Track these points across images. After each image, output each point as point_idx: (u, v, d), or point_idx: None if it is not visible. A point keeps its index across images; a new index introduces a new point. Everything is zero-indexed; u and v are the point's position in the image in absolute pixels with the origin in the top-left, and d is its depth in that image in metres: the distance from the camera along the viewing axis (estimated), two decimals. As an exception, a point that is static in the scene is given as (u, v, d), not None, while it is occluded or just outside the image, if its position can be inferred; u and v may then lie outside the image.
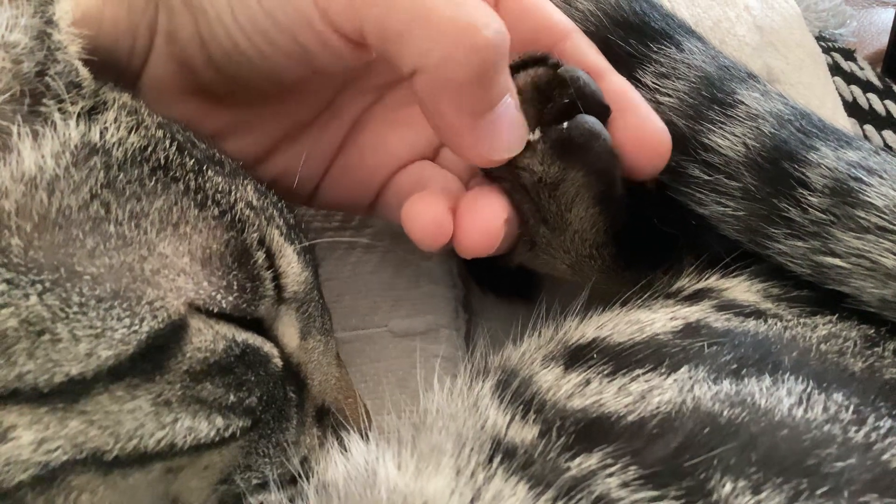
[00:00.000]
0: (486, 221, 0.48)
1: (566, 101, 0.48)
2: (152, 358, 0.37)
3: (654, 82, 0.54)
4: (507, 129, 0.45)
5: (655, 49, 0.54)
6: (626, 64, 0.55)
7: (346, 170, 0.55)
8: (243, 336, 0.40)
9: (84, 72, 0.39)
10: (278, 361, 0.42)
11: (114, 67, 0.45)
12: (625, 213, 0.52)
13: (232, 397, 0.39)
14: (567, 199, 0.50)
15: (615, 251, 0.52)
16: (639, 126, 0.49)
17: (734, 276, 0.50)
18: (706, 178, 0.51)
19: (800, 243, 0.49)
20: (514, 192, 0.50)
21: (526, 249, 0.53)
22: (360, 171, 0.54)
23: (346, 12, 0.42)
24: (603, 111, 0.50)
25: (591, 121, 0.49)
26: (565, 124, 0.48)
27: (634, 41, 0.55)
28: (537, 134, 0.48)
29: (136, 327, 0.36)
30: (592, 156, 0.49)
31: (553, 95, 0.49)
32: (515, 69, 0.49)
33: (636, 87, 0.53)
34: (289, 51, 0.45)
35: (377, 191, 0.54)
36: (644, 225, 0.53)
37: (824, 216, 0.48)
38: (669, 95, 0.53)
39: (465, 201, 0.49)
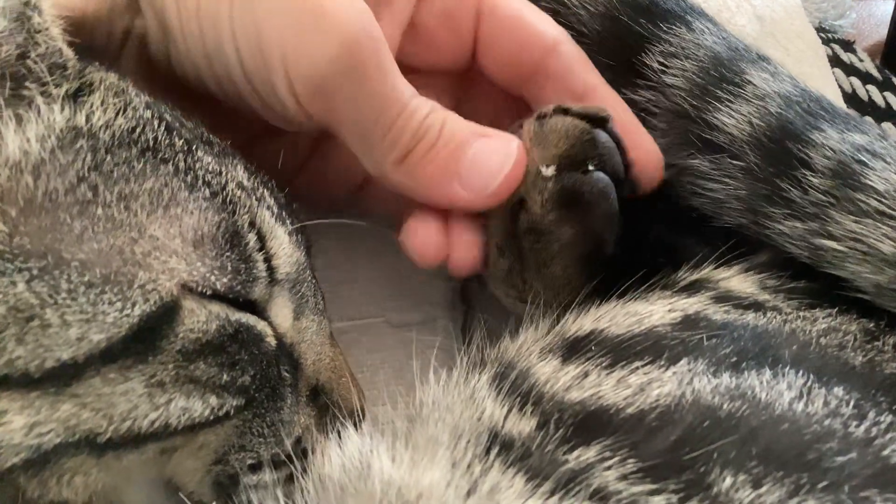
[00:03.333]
0: (474, 250, 0.51)
1: (590, 156, 0.48)
2: (145, 339, 0.36)
3: (660, 63, 0.53)
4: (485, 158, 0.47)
5: (665, 29, 0.54)
6: (634, 45, 0.55)
7: (329, 156, 0.54)
8: (236, 316, 0.40)
9: (68, 52, 0.38)
10: (272, 340, 0.42)
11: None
12: (606, 268, 0.51)
13: (225, 376, 0.39)
14: (548, 254, 0.50)
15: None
16: (639, 146, 0.51)
17: (730, 267, 0.50)
18: (710, 158, 0.51)
19: (798, 224, 0.48)
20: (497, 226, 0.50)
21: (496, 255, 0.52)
22: (341, 160, 0.54)
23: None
24: (624, 168, 0.50)
25: (605, 181, 0.48)
26: (580, 175, 0.48)
27: (644, 21, 0.54)
28: (552, 171, 0.48)
29: (128, 310, 0.36)
30: (592, 217, 0.49)
31: (581, 148, 0.48)
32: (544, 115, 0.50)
33: (640, 72, 0.53)
34: (253, 103, 0.47)
35: (361, 179, 0.54)
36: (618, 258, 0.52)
37: (824, 198, 0.48)
38: (676, 76, 0.53)
39: (454, 229, 0.51)
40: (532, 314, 0.47)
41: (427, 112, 0.46)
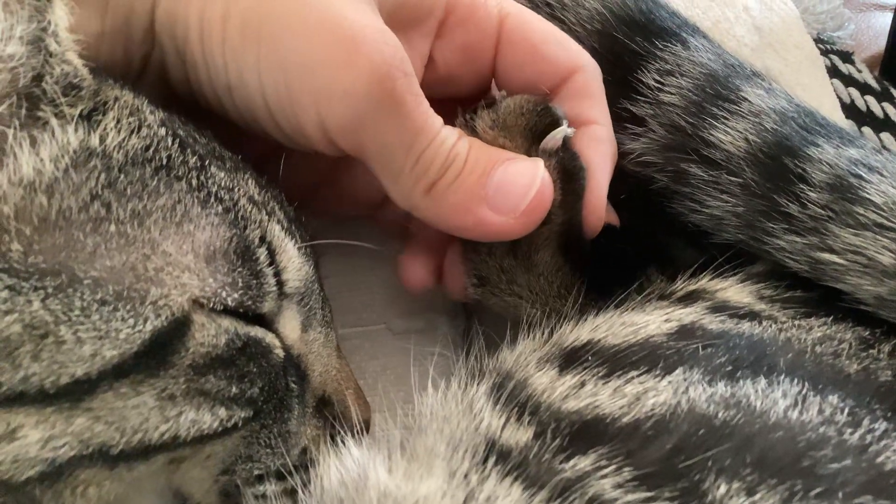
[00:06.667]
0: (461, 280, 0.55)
1: (552, 122, 0.50)
2: (156, 354, 0.37)
3: (656, 80, 0.54)
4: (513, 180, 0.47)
5: (661, 46, 0.55)
6: (631, 63, 0.55)
7: (349, 174, 0.55)
8: (246, 329, 0.40)
9: (84, 73, 0.39)
10: (280, 352, 0.42)
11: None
12: (588, 252, 0.52)
13: (234, 389, 0.39)
14: (539, 239, 0.51)
15: (583, 286, 0.53)
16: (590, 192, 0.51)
17: (727, 278, 0.51)
18: (707, 175, 0.52)
19: (798, 239, 0.49)
20: None
21: (475, 282, 0.54)
22: (361, 179, 0.54)
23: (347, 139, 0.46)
24: None
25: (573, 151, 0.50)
26: (563, 152, 0.50)
27: (640, 39, 0.55)
28: (570, 129, 0.50)
29: (140, 326, 0.36)
30: (575, 187, 0.50)
31: (533, 122, 0.50)
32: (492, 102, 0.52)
33: (636, 89, 0.54)
34: (274, 133, 0.48)
35: (380, 197, 0.55)
36: (605, 251, 0.53)
37: (823, 212, 0.48)
38: (672, 93, 0.53)
39: (448, 259, 0.55)
40: (530, 324, 0.47)
41: (455, 140, 0.47)
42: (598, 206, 0.50)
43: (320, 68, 0.43)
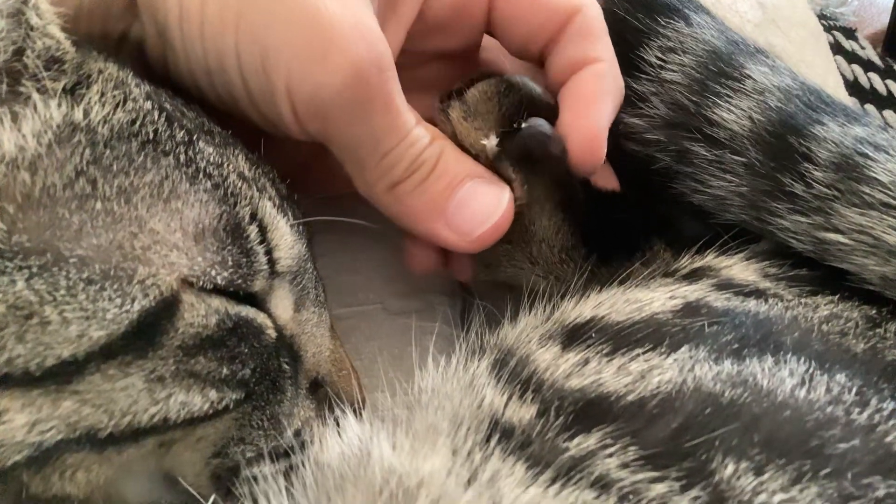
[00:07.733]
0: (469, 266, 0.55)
1: (516, 104, 0.50)
2: (144, 335, 0.36)
3: (659, 57, 0.53)
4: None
5: (663, 23, 0.54)
6: (633, 40, 0.54)
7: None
8: (236, 309, 0.39)
9: (66, 45, 0.38)
10: (272, 333, 0.42)
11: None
12: (586, 212, 0.52)
13: (225, 370, 0.39)
14: (530, 214, 0.51)
15: (586, 251, 0.52)
16: (580, 125, 0.50)
17: (731, 255, 0.50)
18: (710, 155, 0.51)
19: (802, 219, 0.48)
20: None
21: (482, 268, 0.55)
22: None
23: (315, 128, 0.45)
24: (550, 112, 0.50)
25: (543, 123, 0.49)
26: (522, 126, 0.49)
27: (642, 15, 0.54)
28: (494, 140, 0.49)
29: (128, 306, 0.36)
30: (553, 160, 0.49)
31: (503, 103, 0.50)
32: (462, 89, 0.51)
33: (639, 66, 0.53)
34: (254, 117, 0.47)
35: None
36: (607, 218, 0.53)
37: (828, 191, 0.47)
38: (674, 71, 0.53)
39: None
40: (532, 300, 0.46)
41: (426, 144, 0.46)
42: (591, 137, 0.49)
43: (294, 59, 0.43)
